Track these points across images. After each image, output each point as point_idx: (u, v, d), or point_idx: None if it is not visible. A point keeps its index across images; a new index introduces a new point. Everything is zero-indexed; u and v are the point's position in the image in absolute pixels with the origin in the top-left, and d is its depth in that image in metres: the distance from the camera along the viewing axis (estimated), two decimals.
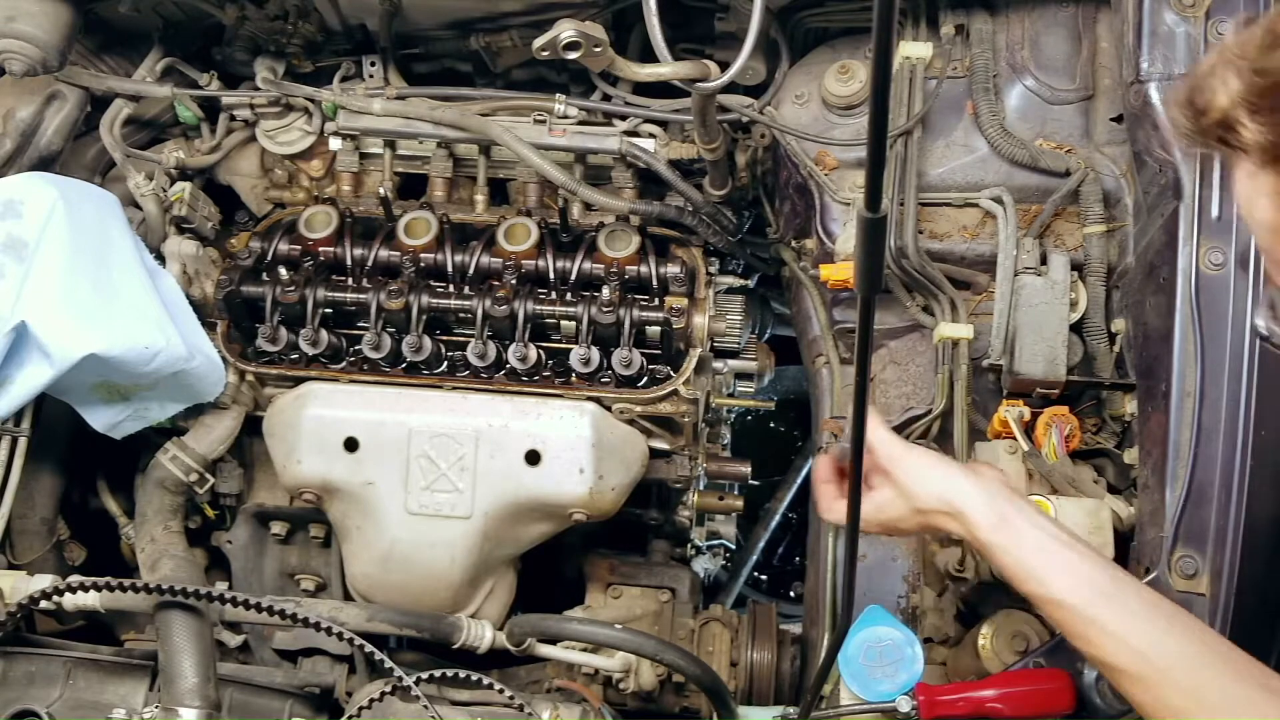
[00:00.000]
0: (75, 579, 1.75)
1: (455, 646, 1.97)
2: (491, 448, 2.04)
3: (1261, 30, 1.04)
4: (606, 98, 2.26)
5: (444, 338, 2.16)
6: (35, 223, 1.92)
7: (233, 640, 2.23)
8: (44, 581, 1.84)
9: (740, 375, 2.56)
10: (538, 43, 1.78)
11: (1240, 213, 1.18)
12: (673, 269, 2.16)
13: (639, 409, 2.12)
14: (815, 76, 2.17)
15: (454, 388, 2.11)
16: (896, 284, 2.08)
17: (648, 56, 1.89)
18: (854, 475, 1.07)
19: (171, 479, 2.19)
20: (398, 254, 2.17)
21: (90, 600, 1.82)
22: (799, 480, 3.22)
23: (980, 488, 1.53)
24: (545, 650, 2.02)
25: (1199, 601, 1.66)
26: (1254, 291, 1.67)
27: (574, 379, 2.12)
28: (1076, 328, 1.99)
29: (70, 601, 1.81)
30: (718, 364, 2.40)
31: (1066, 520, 1.75)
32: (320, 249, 2.19)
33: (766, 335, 2.76)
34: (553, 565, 2.41)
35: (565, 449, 2.04)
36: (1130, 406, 1.93)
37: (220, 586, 1.90)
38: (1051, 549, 1.46)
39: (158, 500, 2.20)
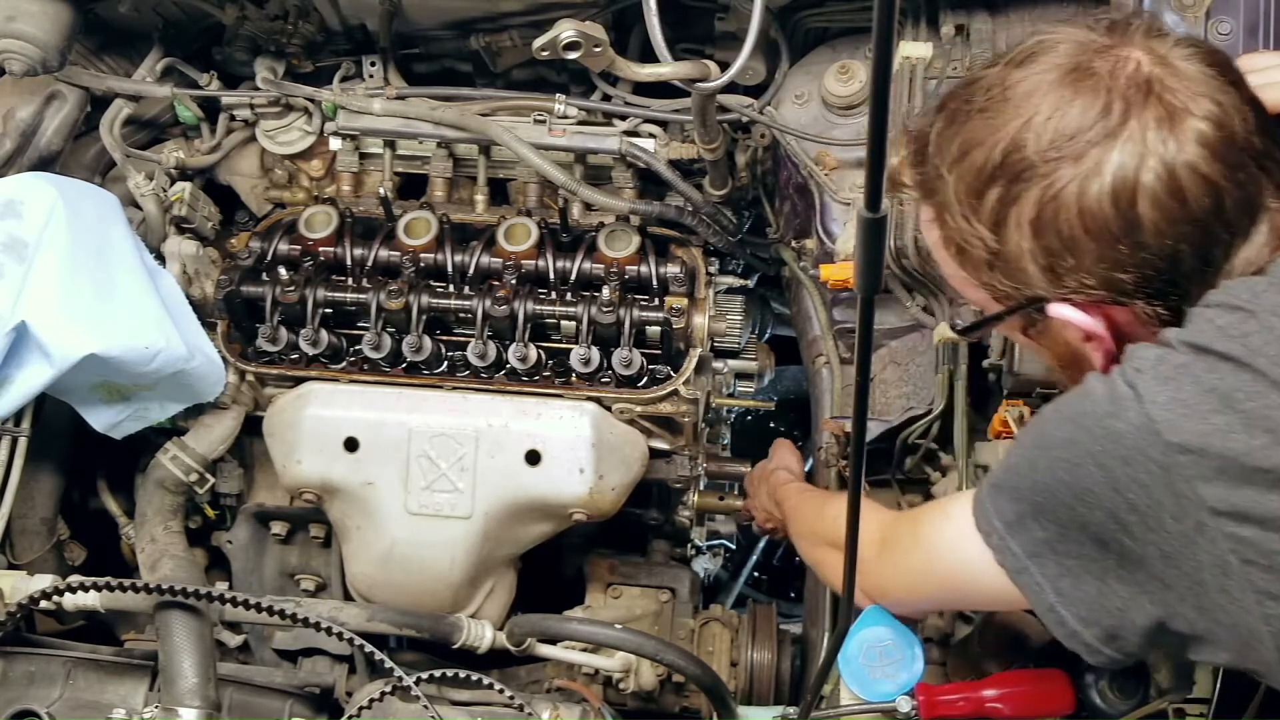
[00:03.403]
0: (75, 579, 1.75)
1: (455, 646, 1.97)
2: (491, 448, 2.04)
3: (923, 111, 1.47)
4: (606, 98, 2.26)
5: (444, 338, 2.16)
6: (35, 223, 1.92)
7: (233, 640, 2.23)
8: (44, 581, 1.84)
9: (740, 375, 2.56)
10: (538, 43, 1.78)
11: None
12: (673, 269, 2.16)
13: (639, 409, 2.12)
14: (815, 76, 2.17)
15: (454, 388, 2.11)
16: (896, 284, 2.08)
17: (648, 56, 1.89)
18: (854, 475, 1.07)
19: (171, 479, 2.19)
20: (398, 254, 2.17)
21: (90, 600, 1.82)
22: None
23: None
24: (545, 650, 2.02)
25: None
26: None
27: (574, 379, 2.12)
28: None
29: (70, 601, 1.81)
30: (718, 364, 2.40)
31: None
32: (320, 249, 2.19)
33: (766, 335, 2.76)
34: (553, 565, 2.41)
35: (565, 449, 2.04)
36: None
37: (220, 586, 1.90)
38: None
39: (158, 500, 2.20)
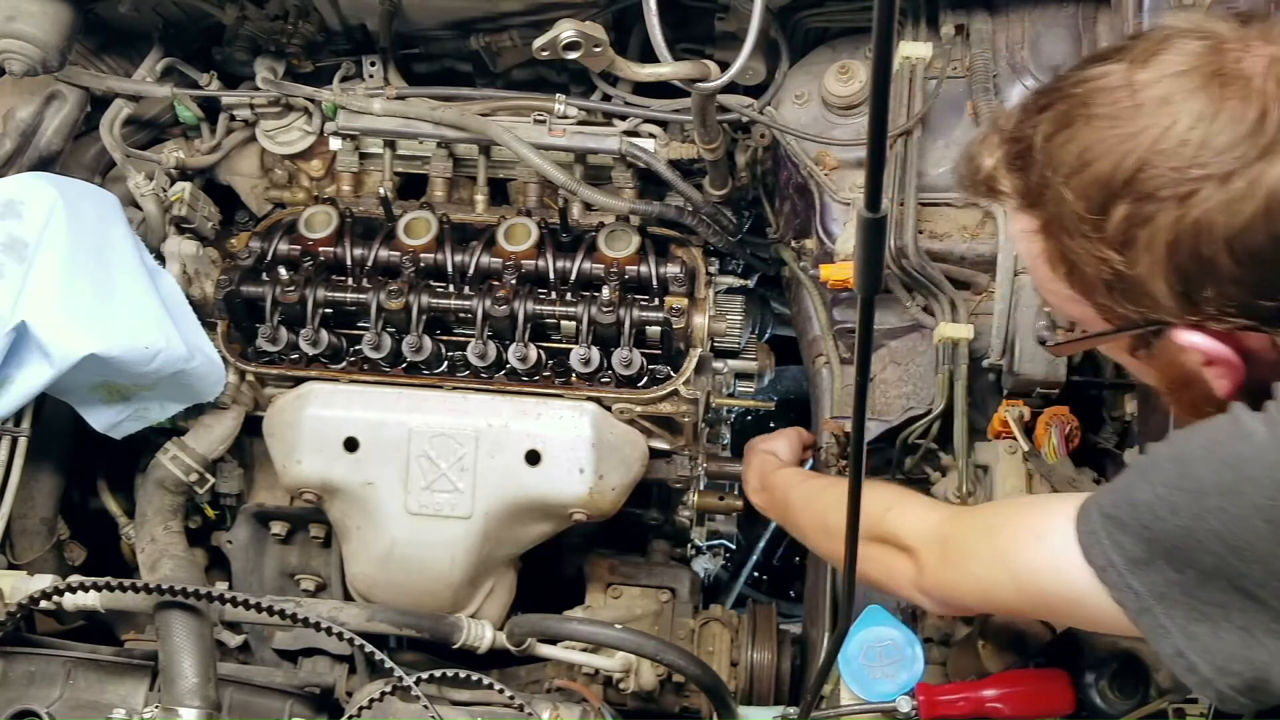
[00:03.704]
0: (75, 579, 1.75)
1: (455, 646, 1.97)
2: (491, 448, 2.04)
3: (1019, 107, 1.35)
4: (606, 98, 2.26)
5: (444, 338, 2.16)
6: (35, 223, 1.92)
7: (233, 640, 2.23)
8: (44, 581, 1.84)
9: (740, 375, 2.56)
10: (538, 43, 1.78)
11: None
12: (673, 269, 2.16)
13: (639, 409, 2.12)
14: (815, 76, 2.17)
15: (454, 388, 2.11)
16: (896, 284, 2.08)
17: (648, 56, 1.89)
18: (854, 475, 1.07)
19: (171, 479, 2.19)
20: (398, 254, 2.17)
21: (90, 600, 1.82)
22: None
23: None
24: (545, 650, 2.02)
25: None
26: None
27: (574, 379, 2.12)
28: None
29: (70, 601, 1.81)
30: (718, 364, 2.40)
31: None
32: (320, 249, 2.19)
33: (766, 335, 2.76)
34: (553, 565, 2.41)
35: (565, 449, 2.04)
36: (1130, 406, 1.93)
37: (220, 586, 1.90)
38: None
39: (158, 500, 2.19)
